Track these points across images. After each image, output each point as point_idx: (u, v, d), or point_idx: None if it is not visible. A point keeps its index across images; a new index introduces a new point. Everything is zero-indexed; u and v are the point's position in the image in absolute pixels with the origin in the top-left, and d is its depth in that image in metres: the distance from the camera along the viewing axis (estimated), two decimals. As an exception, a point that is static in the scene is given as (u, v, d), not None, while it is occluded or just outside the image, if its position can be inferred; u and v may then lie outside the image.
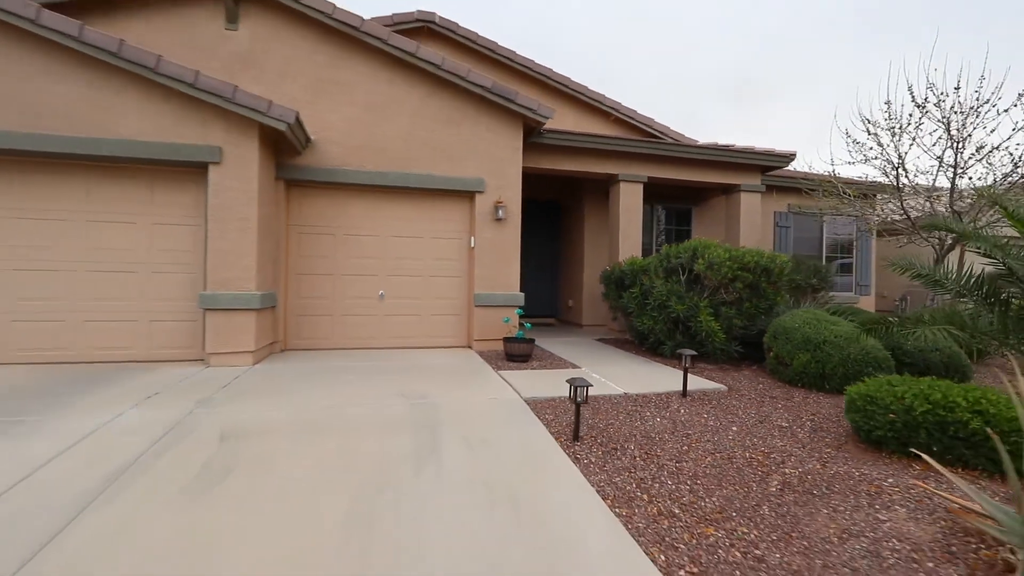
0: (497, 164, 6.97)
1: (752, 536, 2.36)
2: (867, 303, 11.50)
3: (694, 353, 4.71)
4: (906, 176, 7.03)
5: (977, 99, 5.99)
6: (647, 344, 6.72)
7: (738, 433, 3.74)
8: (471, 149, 6.87)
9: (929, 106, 6.21)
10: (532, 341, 6.21)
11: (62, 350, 5.33)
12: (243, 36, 6.11)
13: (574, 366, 5.82)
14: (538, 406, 4.17)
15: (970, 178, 6.42)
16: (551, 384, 4.78)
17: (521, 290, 7.20)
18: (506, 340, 6.18)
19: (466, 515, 2.41)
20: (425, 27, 8.70)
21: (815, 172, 8.87)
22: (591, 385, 3.48)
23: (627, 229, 8.53)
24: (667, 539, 2.32)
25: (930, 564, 2.10)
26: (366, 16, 7.43)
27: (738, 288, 5.85)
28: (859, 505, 2.61)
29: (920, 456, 2.99)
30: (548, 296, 11.27)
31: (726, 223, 9.71)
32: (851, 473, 2.98)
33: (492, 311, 6.88)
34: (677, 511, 2.57)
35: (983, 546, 2.19)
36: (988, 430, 2.57)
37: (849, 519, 2.48)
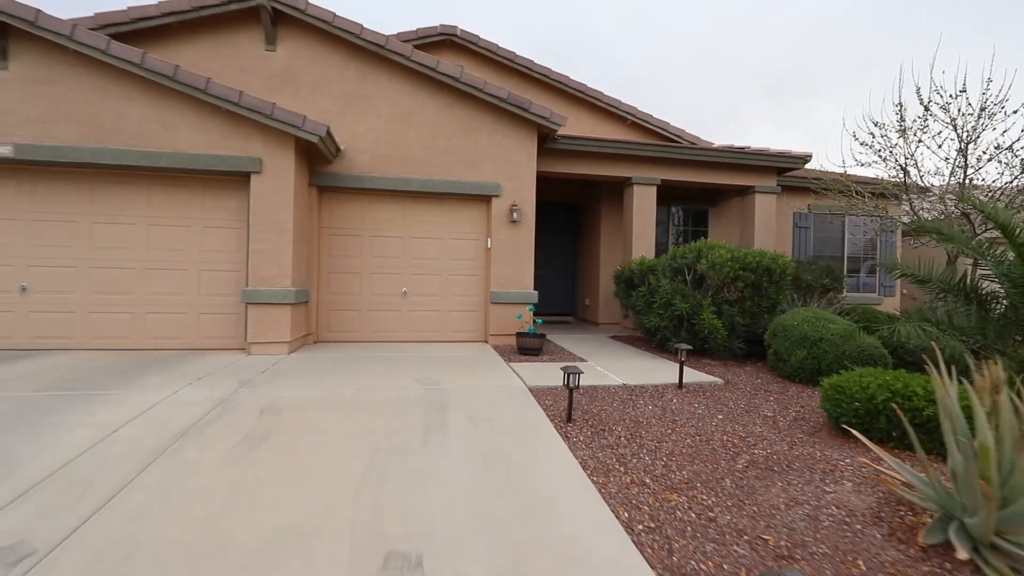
0: (513, 169, 7.39)
1: (709, 502, 2.70)
2: (891, 303, 11.37)
3: (689, 347, 5.02)
4: (920, 177, 7.07)
5: (985, 100, 6.03)
6: (655, 340, 7.01)
7: (723, 420, 4.05)
8: (488, 155, 7.31)
9: (935, 108, 6.29)
10: (543, 336, 6.61)
11: (125, 338, 6.04)
12: (281, 56, 6.72)
13: (581, 360, 6.19)
14: (540, 393, 4.56)
15: (981, 179, 6.45)
16: (556, 375, 5.16)
17: (540, 289, 7.61)
18: (519, 335, 6.59)
19: (462, 475, 2.84)
20: (448, 40, 9.20)
21: (832, 172, 8.91)
22: (582, 372, 3.86)
23: (640, 230, 8.80)
24: (634, 502, 2.68)
25: (858, 526, 2.41)
26: (394, 30, 8.01)
27: (740, 287, 6.09)
28: (811, 480, 2.91)
29: (883, 441, 3.26)
30: (567, 295, 11.62)
31: (741, 224, 9.85)
32: (813, 454, 3.27)
33: (507, 308, 7.30)
34: (648, 481, 2.93)
35: (910, 513, 2.47)
36: (894, 405, 2.83)
37: (799, 491, 2.79)
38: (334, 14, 6.57)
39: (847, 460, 3.15)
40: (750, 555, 2.22)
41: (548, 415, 3.96)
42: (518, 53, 9.38)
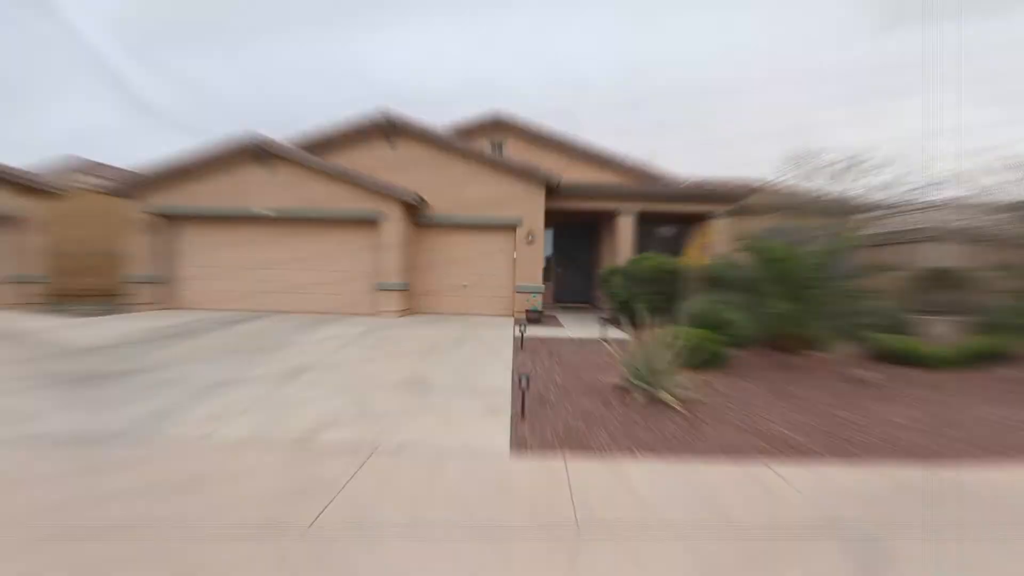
0: (529, 208, 10.24)
1: (556, 374, 5.44)
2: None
3: (606, 316, 7.57)
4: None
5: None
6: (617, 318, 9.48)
7: (606, 355, 6.63)
8: (514, 200, 10.24)
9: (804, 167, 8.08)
10: (542, 311, 9.43)
11: (316, 308, 9.89)
12: (397, 152, 10.23)
13: (560, 326, 8.91)
14: (518, 338, 7.44)
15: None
16: (536, 330, 7.98)
17: (566, 286, 10.48)
18: (527, 311, 9.48)
19: (457, 361, 5.88)
20: (497, 122, 12.26)
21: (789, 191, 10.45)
22: (528, 325, 6.70)
23: (622, 246, 11.16)
24: (522, 370, 5.51)
25: (605, 384, 5.06)
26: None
27: (659, 284, 8.42)
28: (607, 373, 5.53)
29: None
30: (586, 289, 14.10)
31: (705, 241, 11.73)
32: (622, 362, 5.83)
33: (525, 295, 10.18)
34: (538, 368, 5.73)
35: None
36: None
37: (596, 375, 5.43)
38: (424, 125, 9.91)
39: (633, 364, 5.69)
40: (548, 385, 5.00)
41: (514, 347, 6.86)
42: (544, 126, 12.17)
